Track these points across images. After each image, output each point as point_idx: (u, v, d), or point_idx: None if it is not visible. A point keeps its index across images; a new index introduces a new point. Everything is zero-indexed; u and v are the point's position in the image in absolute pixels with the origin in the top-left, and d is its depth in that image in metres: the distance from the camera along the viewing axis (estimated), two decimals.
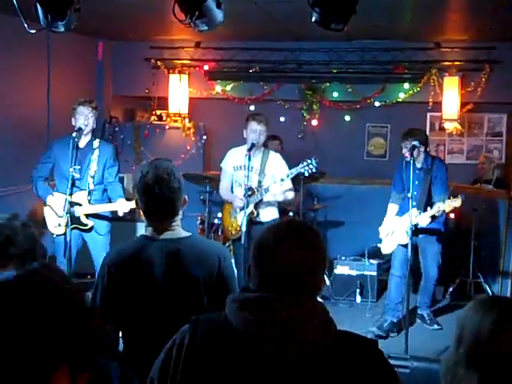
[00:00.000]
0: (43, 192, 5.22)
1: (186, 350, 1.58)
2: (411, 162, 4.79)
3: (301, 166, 5.07)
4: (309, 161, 5.06)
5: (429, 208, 5.24)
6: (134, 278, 2.40)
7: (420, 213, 5.21)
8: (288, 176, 5.06)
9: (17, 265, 2.56)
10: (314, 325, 1.55)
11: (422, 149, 5.30)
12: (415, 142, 5.01)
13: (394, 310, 5.57)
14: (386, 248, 5.75)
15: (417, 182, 5.34)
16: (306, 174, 5.17)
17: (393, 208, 5.75)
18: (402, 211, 5.58)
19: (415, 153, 5.12)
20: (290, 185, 5.18)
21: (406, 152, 5.21)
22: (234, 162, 5.34)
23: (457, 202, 5.11)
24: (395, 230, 5.58)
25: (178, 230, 2.53)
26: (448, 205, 5.13)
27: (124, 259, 2.44)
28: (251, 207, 5.15)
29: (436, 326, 5.66)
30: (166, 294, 2.40)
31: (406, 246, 5.28)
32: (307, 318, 1.55)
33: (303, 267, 1.60)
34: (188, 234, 2.54)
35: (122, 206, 5.05)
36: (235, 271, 5.55)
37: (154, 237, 2.48)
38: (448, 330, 5.63)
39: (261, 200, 5.16)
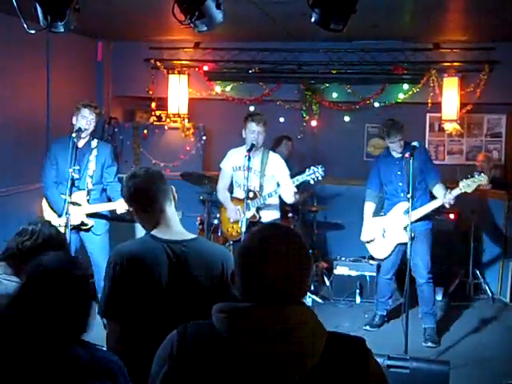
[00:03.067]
0: (56, 201, 5.15)
1: (175, 360, 1.56)
2: (411, 161, 4.78)
3: (306, 173, 4.99)
4: (315, 169, 4.97)
5: (441, 192, 5.18)
6: (138, 277, 2.41)
7: (413, 206, 5.01)
8: (293, 183, 4.99)
9: None
10: (303, 334, 1.52)
11: (400, 137, 5.36)
12: (415, 143, 5.00)
13: (384, 304, 5.73)
14: (380, 252, 5.62)
15: (399, 173, 5.37)
16: (312, 183, 5.07)
17: (370, 207, 5.64)
18: (388, 209, 5.55)
19: (399, 144, 5.32)
20: (294, 188, 5.05)
21: (396, 148, 5.37)
22: (233, 162, 5.33)
23: (483, 180, 5.05)
24: (386, 229, 5.48)
25: (182, 231, 2.54)
26: (473, 183, 5.02)
27: (130, 258, 2.43)
28: (253, 211, 5.13)
29: (430, 344, 5.28)
30: (169, 296, 2.40)
31: (403, 244, 5.29)
32: (296, 328, 1.52)
33: (289, 275, 1.56)
34: (193, 235, 2.55)
35: (122, 205, 5.04)
36: None
37: (159, 237, 2.48)
38: (449, 330, 5.63)
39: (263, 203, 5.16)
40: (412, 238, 4.85)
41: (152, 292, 2.41)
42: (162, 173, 2.67)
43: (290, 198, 5.09)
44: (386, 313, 5.77)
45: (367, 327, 5.70)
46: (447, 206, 5.15)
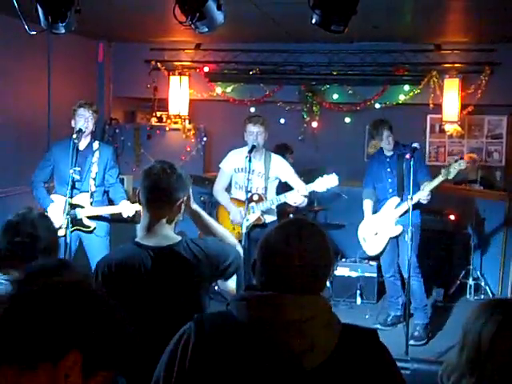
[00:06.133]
0: (44, 199, 5.17)
1: (192, 348, 1.57)
2: (411, 162, 4.79)
3: (319, 182, 5.00)
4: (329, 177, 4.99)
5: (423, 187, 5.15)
6: (124, 286, 2.35)
7: (402, 199, 5.28)
8: (306, 190, 4.99)
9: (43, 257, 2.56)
10: (321, 323, 1.56)
11: (391, 136, 5.43)
12: (416, 144, 5.00)
13: (395, 304, 5.71)
14: (373, 249, 5.65)
15: (389, 170, 5.47)
16: (324, 190, 5.07)
17: (368, 204, 5.67)
18: (379, 207, 5.59)
19: (387, 141, 5.41)
20: (306, 192, 5.05)
21: (384, 145, 5.47)
22: (234, 163, 5.31)
23: (462, 165, 5.07)
24: (379, 225, 5.50)
25: (169, 235, 2.48)
26: (453, 169, 5.04)
27: (116, 267, 2.39)
28: (258, 213, 5.12)
29: (412, 341, 5.12)
30: (158, 303, 2.36)
31: (395, 238, 5.45)
32: (314, 317, 1.56)
33: (310, 266, 1.61)
34: (177, 238, 2.47)
35: (126, 209, 5.04)
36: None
37: (144, 243, 2.43)
38: (449, 331, 5.63)
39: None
40: (412, 235, 4.86)
41: (139, 300, 2.36)
42: (179, 174, 2.47)
43: (300, 204, 5.09)
44: (400, 313, 5.67)
45: (378, 325, 5.57)
46: (423, 201, 5.12)
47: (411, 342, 5.07)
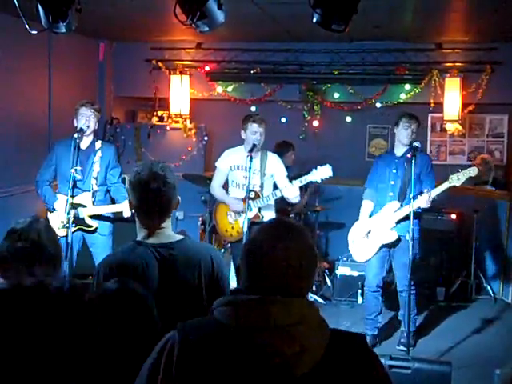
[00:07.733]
0: (49, 198, 5.20)
1: (178, 356, 1.53)
2: (412, 162, 4.73)
3: (313, 173, 4.99)
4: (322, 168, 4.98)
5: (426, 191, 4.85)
6: None
7: (402, 205, 4.97)
8: (301, 182, 5.00)
9: (45, 268, 2.56)
10: (309, 327, 1.54)
11: (414, 135, 5.09)
12: (417, 143, 4.97)
13: (373, 323, 5.31)
14: (361, 255, 5.29)
15: (394, 171, 5.13)
16: (319, 181, 5.04)
17: (368, 205, 5.29)
18: (375, 210, 5.24)
19: (407, 134, 5.05)
20: (297, 188, 5.04)
21: (402, 138, 5.08)
22: (231, 161, 5.33)
23: (473, 172, 4.86)
24: (372, 230, 5.17)
25: (169, 234, 2.51)
26: (463, 176, 4.83)
27: (117, 267, 2.40)
28: (255, 210, 5.13)
29: (402, 347, 5.03)
30: (160, 300, 2.37)
31: (387, 246, 5.13)
32: (303, 321, 1.53)
33: (294, 268, 1.58)
34: (179, 237, 2.51)
35: (128, 208, 5.04)
36: (232, 272, 5.55)
37: (146, 242, 2.46)
38: (450, 330, 5.63)
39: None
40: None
41: None
42: (169, 176, 2.48)
43: (294, 199, 5.10)
44: (378, 332, 5.32)
45: None
46: (424, 206, 4.86)
47: (400, 347, 5.07)
